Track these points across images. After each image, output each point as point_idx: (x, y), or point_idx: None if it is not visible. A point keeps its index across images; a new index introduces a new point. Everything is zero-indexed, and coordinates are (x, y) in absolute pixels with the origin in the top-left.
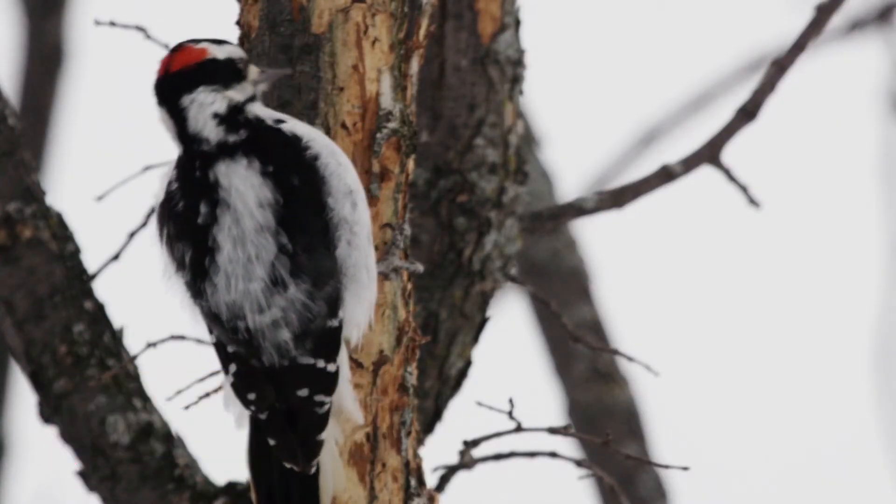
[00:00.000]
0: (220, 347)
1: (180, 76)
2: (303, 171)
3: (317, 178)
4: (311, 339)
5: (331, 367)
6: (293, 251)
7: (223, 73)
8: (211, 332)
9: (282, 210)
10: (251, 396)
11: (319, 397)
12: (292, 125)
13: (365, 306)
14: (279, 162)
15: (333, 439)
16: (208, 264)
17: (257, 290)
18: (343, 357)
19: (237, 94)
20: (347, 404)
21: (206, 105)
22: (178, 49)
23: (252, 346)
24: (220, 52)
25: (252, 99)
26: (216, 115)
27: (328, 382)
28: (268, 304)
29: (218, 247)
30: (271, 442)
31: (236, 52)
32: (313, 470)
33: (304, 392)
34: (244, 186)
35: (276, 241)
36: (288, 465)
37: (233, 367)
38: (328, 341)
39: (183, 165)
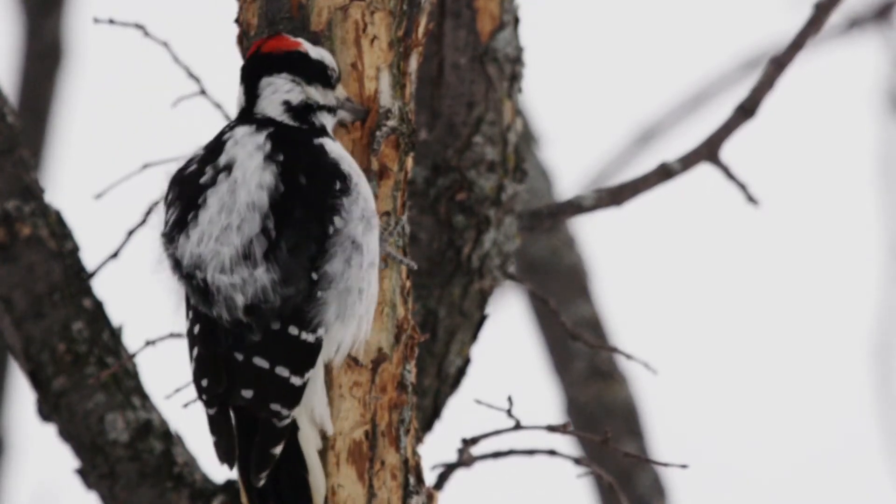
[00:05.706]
0: (189, 328)
1: (268, 58)
2: (318, 177)
3: (331, 189)
4: (261, 326)
5: (280, 372)
6: (275, 239)
7: (310, 70)
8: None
9: (279, 198)
10: (204, 383)
11: (273, 404)
12: (338, 149)
13: (350, 330)
14: (293, 157)
15: (314, 444)
16: (190, 219)
17: (226, 254)
18: (317, 373)
19: (318, 95)
20: (314, 417)
21: (280, 91)
22: (275, 35)
23: (206, 295)
24: (313, 52)
25: (329, 110)
26: (286, 103)
27: (275, 388)
28: (231, 270)
29: (206, 206)
30: (212, 439)
31: (330, 62)
32: (261, 483)
33: (248, 393)
34: (250, 162)
35: (261, 222)
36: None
37: (195, 352)
38: (281, 347)
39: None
